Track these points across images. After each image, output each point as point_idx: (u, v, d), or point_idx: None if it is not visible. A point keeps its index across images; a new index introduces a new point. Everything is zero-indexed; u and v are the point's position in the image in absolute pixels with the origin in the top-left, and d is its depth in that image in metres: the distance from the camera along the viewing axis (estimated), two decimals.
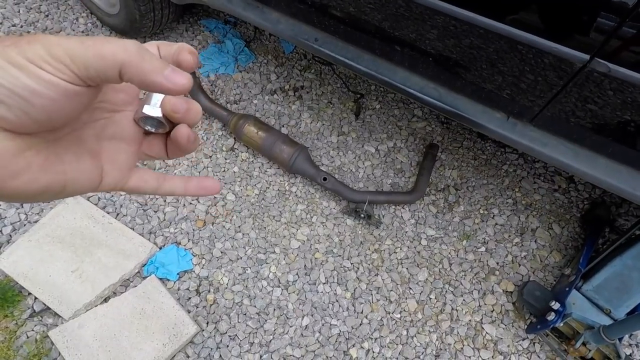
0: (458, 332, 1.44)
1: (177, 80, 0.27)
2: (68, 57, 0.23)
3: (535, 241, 1.64)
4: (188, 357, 1.31)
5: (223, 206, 1.62)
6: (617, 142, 1.03)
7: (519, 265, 1.59)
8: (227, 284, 1.46)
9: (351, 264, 1.54)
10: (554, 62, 0.90)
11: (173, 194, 0.36)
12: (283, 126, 1.87)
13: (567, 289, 1.35)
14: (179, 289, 1.42)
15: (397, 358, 1.38)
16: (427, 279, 1.53)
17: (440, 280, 1.53)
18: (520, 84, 1.03)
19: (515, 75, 1.02)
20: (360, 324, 1.43)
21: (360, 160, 1.80)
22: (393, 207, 1.68)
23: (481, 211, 1.71)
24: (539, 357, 1.41)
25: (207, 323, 1.37)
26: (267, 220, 1.61)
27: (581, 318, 1.25)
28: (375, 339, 1.40)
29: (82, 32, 2.06)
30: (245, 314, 1.41)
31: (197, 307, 1.40)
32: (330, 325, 1.42)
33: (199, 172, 1.70)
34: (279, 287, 1.47)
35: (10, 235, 1.46)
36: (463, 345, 1.42)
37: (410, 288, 1.51)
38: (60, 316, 1.32)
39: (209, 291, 1.43)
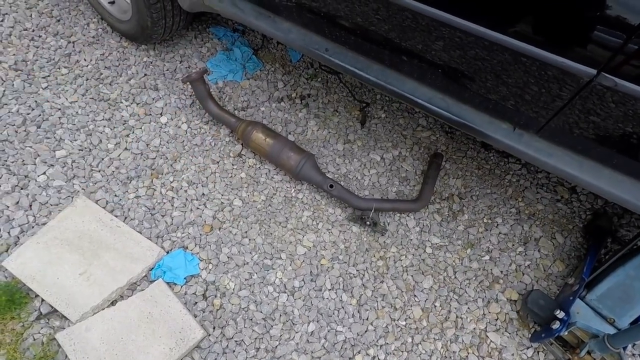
0: (463, 340, 1.45)
1: None
2: None
3: (539, 250, 1.66)
4: None
5: (230, 211, 1.64)
6: (621, 154, 1.05)
7: (523, 274, 1.60)
8: (233, 289, 1.46)
9: (357, 270, 1.55)
10: (561, 76, 0.92)
11: None
12: (290, 133, 1.89)
13: (571, 298, 1.36)
14: (185, 294, 1.43)
15: None
16: (432, 286, 1.55)
17: (445, 288, 1.55)
18: (527, 95, 1.06)
19: (523, 87, 1.05)
20: (366, 331, 1.43)
21: (366, 168, 1.82)
22: (398, 215, 1.70)
23: (485, 220, 1.73)
24: None
25: (214, 328, 1.38)
26: (273, 226, 1.62)
27: (586, 327, 1.26)
28: (381, 346, 1.41)
29: (93, 37, 2.09)
30: (251, 320, 1.41)
31: (204, 312, 1.40)
32: (336, 331, 1.42)
33: (206, 178, 1.71)
34: (285, 292, 1.48)
35: (18, 237, 1.47)
36: (468, 353, 1.42)
37: (415, 295, 1.52)
38: (67, 319, 1.32)
39: (215, 296, 1.44)
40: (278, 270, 1.52)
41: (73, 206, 1.52)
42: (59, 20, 2.11)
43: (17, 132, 1.70)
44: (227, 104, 1.96)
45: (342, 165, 1.82)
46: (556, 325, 1.28)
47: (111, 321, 1.31)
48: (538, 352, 1.44)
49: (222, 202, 1.66)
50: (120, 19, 1.98)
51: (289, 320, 1.43)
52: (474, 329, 1.47)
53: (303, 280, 1.51)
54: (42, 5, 2.13)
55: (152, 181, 1.68)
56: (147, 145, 1.77)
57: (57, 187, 1.60)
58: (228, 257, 1.53)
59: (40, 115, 1.77)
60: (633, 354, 1.46)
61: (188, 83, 1.77)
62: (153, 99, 1.92)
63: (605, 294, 1.34)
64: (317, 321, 1.44)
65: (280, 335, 1.40)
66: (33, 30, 2.03)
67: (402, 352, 1.41)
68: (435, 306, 1.51)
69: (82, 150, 1.72)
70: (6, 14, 2.04)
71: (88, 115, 1.82)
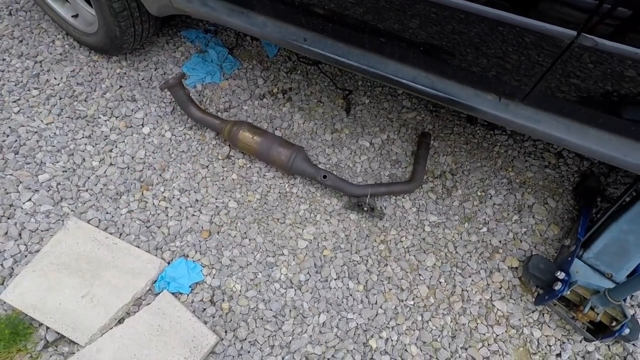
0: (471, 312, 1.48)
1: None
2: None
3: (533, 217, 1.70)
4: None
5: (226, 214, 1.62)
6: (605, 113, 1.08)
7: (521, 241, 1.64)
8: (240, 291, 1.46)
9: (360, 257, 1.56)
10: (542, 41, 0.93)
11: None
12: (276, 129, 1.88)
13: (570, 258, 1.40)
14: (193, 302, 1.42)
15: (415, 343, 1.41)
16: (435, 264, 1.57)
17: (448, 263, 1.57)
18: (510, 64, 1.07)
19: (504, 57, 1.06)
20: (376, 315, 1.45)
21: (357, 155, 1.82)
22: (394, 197, 1.71)
23: (479, 193, 1.76)
24: (549, 326, 1.46)
25: (226, 332, 1.38)
26: (271, 223, 1.62)
27: (586, 284, 1.30)
28: (392, 327, 1.43)
29: (60, 54, 2.02)
30: (262, 318, 1.41)
31: (214, 317, 1.40)
32: (347, 319, 1.44)
33: (198, 183, 1.69)
34: (292, 287, 1.48)
35: (12, 268, 1.43)
36: (477, 323, 1.46)
37: (419, 274, 1.54)
38: (76, 343, 1.30)
39: (223, 300, 1.43)
40: (282, 267, 1.52)
41: (65, 229, 1.48)
42: (21, 41, 2.03)
43: None
44: (209, 107, 1.93)
45: (333, 155, 1.82)
46: (558, 286, 1.32)
47: (121, 339, 1.29)
48: (543, 314, 1.49)
49: (217, 206, 1.64)
50: (86, 31, 1.92)
51: (299, 314, 1.44)
52: (480, 299, 1.51)
53: (308, 273, 1.52)
54: (0, 27, 2.04)
55: (142, 193, 1.65)
56: (133, 158, 1.74)
57: (45, 212, 1.55)
58: (230, 260, 1.52)
59: (16, 141, 1.71)
60: (632, 305, 1.51)
61: (166, 90, 1.73)
62: (132, 111, 1.87)
63: (602, 251, 1.39)
64: (327, 311, 1.45)
65: (293, 330, 1.41)
66: None
67: (413, 330, 1.43)
68: (440, 282, 1.53)
69: (65, 171, 1.67)
70: None
71: (67, 134, 1.77)
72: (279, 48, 2.16)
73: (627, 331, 1.28)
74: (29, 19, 2.09)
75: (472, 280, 1.54)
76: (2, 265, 1.43)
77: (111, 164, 1.71)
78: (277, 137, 1.67)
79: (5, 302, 1.35)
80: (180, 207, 1.62)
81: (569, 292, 1.32)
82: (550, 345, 1.43)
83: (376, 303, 1.47)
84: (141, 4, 1.66)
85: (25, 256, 1.46)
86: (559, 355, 1.42)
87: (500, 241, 1.64)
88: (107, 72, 1.99)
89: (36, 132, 1.75)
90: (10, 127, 1.74)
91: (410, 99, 2.03)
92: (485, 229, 1.66)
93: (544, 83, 1.05)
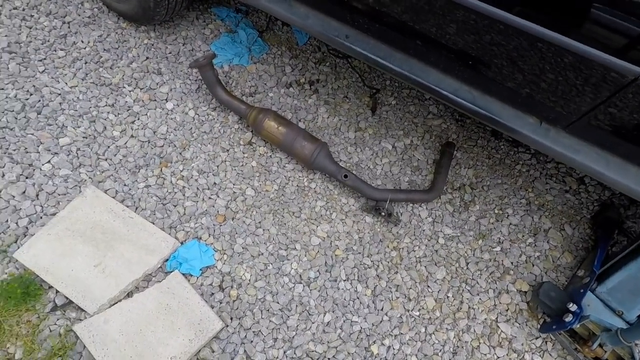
0: (474, 330, 1.48)
1: None
2: None
3: (548, 242, 1.68)
4: (213, 352, 1.32)
5: (243, 201, 1.61)
6: None
7: (533, 265, 1.63)
8: (249, 280, 1.46)
9: (371, 261, 1.56)
10: (605, 73, 0.90)
11: None
12: (300, 120, 1.85)
13: (582, 290, 1.39)
14: (202, 285, 1.42)
15: (416, 355, 1.41)
16: (444, 277, 1.56)
17: (458, 279, 1.57)
18: (561, 91, 1.04)
19: (556, 82, 1.03)
20: (381, 321, 1.45)
21: (378, 157, 1.80)
22: (410, 205, 1.69)
23: (496, 211, 1.74)
24: (551, 355, 1.46)
25: (231, 319, 1.38)
26: (287, 216, 1.61)
27: (599, 320, 1.29)
28: (396, 335, 1.43)
29: (89, 17, 1.98)
30: (268, 310, 1.42)
31: (221, 303, 1.40)
32: (352, 321, 1.44)
33: (217, 166, 1.68)
34: (301, 283, 1.48)
35: (27, 228, 1.44)
36: (479, 343, 1.46)
37: (428, 286, 1.54)
38: (84, 310, 1.31)
39: (232, 287, 1.44)
40: (293, 261, 1.52)
41: (83, 196, 1.48)
42: None
43: (16, 118, 1.63)
44: (234, 89, 1.90)
45: (354, 153, 1.80)
46: (569, 318, 1.31)
47: (129, 313, 1.30)
48: (546, 341, 1.49)
49: (235, 192, 1.63)
50: None
51: (305, 310, 1.44)
52: (485, 319, 1.51)
53: (318, 271, 1.51)
54: None
55: (161, 170, 1.64)
56: (154, 132, 1.72)
57: (63, 176, 1.55)
58: (243, 248, 1.52)
59: (39, 100, 1.69)
60: (636, 344, 1.51)
61: (196, 69, 1.70)
62: (157, 84, 1.85)
63: (616, 287, 1.37)
64: (333, 311, 1.45)
65: (297, 326, 1.41)
66: (23, 9, 1.91)
67: (416, 342, 1.44)
68: (448, 297, 1.53)
69: (86, 137, 1.66)
70: None
71: (90, 100, 1.75)
72: (309, 37, 2.11)
73: None
74: None
75: (480, 298, 1.54)
76: (17, 223, 1.43)
77: (132, 136, 1.70)
78: (302, 130, 1.65)
79: (17, 261, 1.36)
80: (198, 189, 1.61)
81: (578, 326, 1.32)
82: None
83: (382, 309, 1.48)
84: None
85: (41, 217, 1.46)
86: None
87: (512, 262, 1.63)
88: (134, 41, 1.95)
89: (60, 94, 1.73)
90: (34, 86, 1.72)
91: (437, 105, 1.99)
92: (498, 248, 1.65)
93: (592, 114, 1.02)
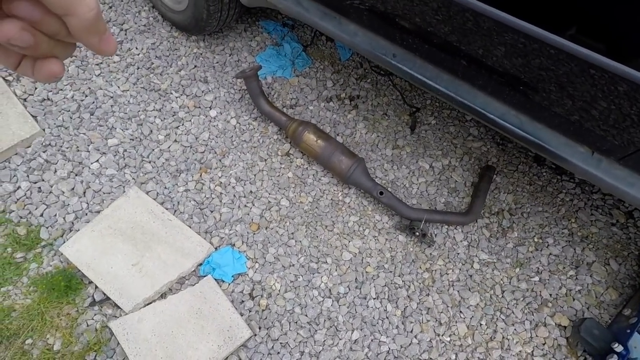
0: None
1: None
2: None
3: (591, 276, 1.60)
4: None
5: (277, 211, 1.63)
6: None
7: (573, 299, 1.55)
8: (279, 290, 1.47)
9: (402, 281, 1.53)
10: None
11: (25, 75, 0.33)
12: (338, 135, 1.86)
13: (629, 330, 1.31)
14: (233, 292, 1.44)
15: None
16: (478, 304, 1.51)
17: (492, 306, 1.51)
18: (616, 121, 1.00)
19: (611, 112, 0.99)
20: (410, 344, 1.42)
21: (414, 176, 1.78)
22: (446, 227, 1.66)
23: (535, 239, 1.67)
24: None
25: (260, 328, 1.39)
26: (319, 229, 1.61)
27: None
28: None
29: (144, 25, 2.09)
30: (296, 322, 1.41)
31: (250, 312, 1.41)
32: (380, 341, 1.41)
33: (254, 175, 1.71)
34: (330, 298, 1.47)
35: (73, 223, 1.51)
36: None
37: (461, 311, 1.49)
38: (120, 308, 1.35)
39: (262, 296, 1.45)
40: (324, 275, 1.51)
41: (126, 196, 1.54)
42: (111, 7, 2.11)
43: (71, 118, 1.73)
44: (275, 101, 1.94)
45: (390, 171, 1.79)
46: (614, 358, 1.24)
47: (162, 314, 1.33)
48: None
49: (270, 201, 1.65)
50: (174, 9, 1.97)
51: (333, 326, 1.43)
52: (520, 351, 1.44)
53: (348, 287, 1.50)
54: None
55: (200, 175, 1.68)
56: (197, 138, 1.78)
57: (109, 176, 1.62)
58: (275, 258, 1.53)
59: (93, 102, 1.79)
60: None
61: (242, 79, 1.76)
62: (202, 92, 1.92)
63: None
64: (361, 329, 1.43)
65: (324, 341, 1.40)
66: None
67: None
68: (481, 324, 1.48)
69: (133, 139, 1.74)
70: None
71: (139, 104, 1.83)
72: (352, 52, 2.14)
73: None
74: None
75: (515, 329, 1.48)
76: (64, 218, 1.51)
77: (175, 141, 1.76)
78: (340, 144, 1.66)
79: (62, 254, 1.42)
80: (234, 196, 1.65)
81: None
82: None
83: (412, 331, 1.44)
84: None
85: (86, 214, 1.53)
86: None
87: (551, 294, 1.55)
88: (184, 50, 2.04)
89: (112, 97, 1.82)
90: (90, 88, 1.82)
91: (478, 127, 1.96)
92: (537, 279, 1.58)
93: None
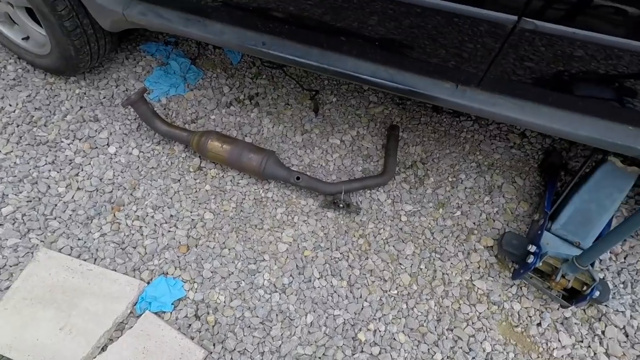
0: (453, 294, 1.52)
1: None
2: None
3: (503, 196, 1.76)
4: None
5: (203, 226, 1.61)
6: (554, 91, 1.14)
7: (494, 220, 1.70)
8: (224, 302, 1.45)
9: (340, 253, 1.58)
10: (488, 28, 0.97)
11: None
12: (246, 136, 1.87)
13: (539, 232, 1.46)
14: (177, 319, 1.40)
15: (403, 331, 1.43)
16: (414, 251, 1.60)
17: (427, 250, 1.61)
18: (462, 53, 1.11)
19: (456, 46, 1.10)
20: (362, 308, 1.47)
21: (329, 154, 1.84)
22: (369, 192, 1.74)
23: (450, 179, 1.80)
24: (528, 298, 1.52)
25: (214, 344, 1.36)
26: (250, 230, 1.61)
27: (555, 254, 1.36)
28: (379, 318, 1.45)
29: (13, 79, 1.95)
30: (249, 327, 1.41)
31: (200, 332, 1.38)
32: (334, 316, 1.45)
33: (171, 198, 1.67)
34: (277, 292, 1.48)
35: None
36: (460, 304, 1.50)
37: (400, 264, 1.57)
38: None
39: (208, 313, 1.42)
40: (264, 272, 1.52)
41: (35, 261, 1.43)
42: None
43: None
44: (175, 120, 1.90)
45: (305, 155, 1.83)
46: (530, 259, 1.38)
47: None
48: (521, 287, 1.54)
49: (193, 219, 1.62)
50: (39, 53, 1.86)
51: (286, 317, 1.44)
52: (461, 281, 1.55)
53: (291, 275, 1.52)
54: None
55: (114, 215, 1.61)
56: (101, 179, 1.69)
57: (12, 246, 1.50)
58: (212, 272, 1.50)
59: None
60: (601, 269, 1.59)
61: (129, 106, 1.70)
62: (95, 131, 1.83)
63: (568, 221, 1.45)
64: (314, 311, 1.46)
65: (282, 334, 1.41)
66: None
67: (400, 319, 1.46)
68: (421, 269, 1.57)
69: (30, 201, 1.61)
70: None
71: (28, 162, 1.71)
72: (243, 54, 2.15)
73: (597, 294, 1.35)
74: None
75: (451, 263, 1.59)
76: None
77: (79, 188, 1.67)
78: (246, 143, 1.67)
79: None
80: (155, 225, 1.59)
81: (541, 264, 1.38)
82: (530, 317, 1.49)
83: (361, 297, 1.49)
84: (95, 20, 1.62)
85: None
86: (539, 324, 1.47)
87: (474, 223, 1.69)
88: (65, 94, 1.93)
89: None
90: None
91: (377, 93, 2.06)
92: (459, 213, 1.71)
93: (495, 67, 1.10)
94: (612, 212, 1.46)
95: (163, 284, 1.43)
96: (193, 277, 1.49)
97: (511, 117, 1.18)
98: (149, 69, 2.08)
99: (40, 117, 1.84)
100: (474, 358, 1.40)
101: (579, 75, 1.05)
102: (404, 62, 1.24)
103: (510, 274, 1.56)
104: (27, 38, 1.87)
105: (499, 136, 1.95)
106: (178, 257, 1.52)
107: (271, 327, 1.41)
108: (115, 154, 1.77)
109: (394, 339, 1.42)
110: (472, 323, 1.47)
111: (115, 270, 1.46)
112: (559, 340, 1.45)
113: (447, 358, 1.40)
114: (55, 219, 1.58)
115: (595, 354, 1.42)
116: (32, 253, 1.49)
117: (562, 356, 1.42)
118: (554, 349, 1.43)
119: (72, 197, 1.64)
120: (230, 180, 1.73)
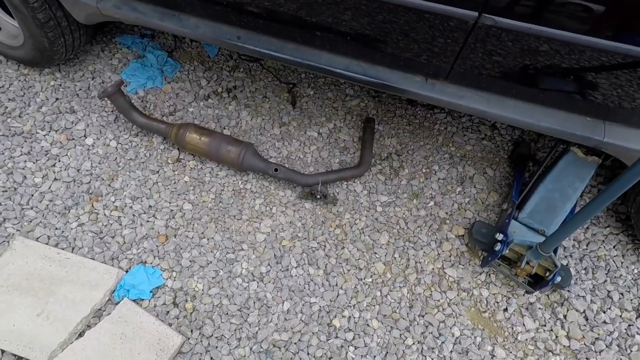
0: (425, 281, 1.58)
1: None
2: None
3: (474, 186, 1.83)
4: None
5: (182, 217, 1.63)
6: (517, 84, 1.20)
7: (465, 210, 1.76)
8: (202, 290, 1.48)
9: (317, 243, 1.62)
10: (452, 23, 1.02)
11: None
12: (224, 128, 1.89)
13: (507, 220, 1.53)
14: (155, 306, 1.42)
15: (376, 317, 1.49)
16: (388, 241, 1.66)
17: (401, 239, 1.67)
18: (430, 47, 1.15)
19: (425, 41, 1.14)
20: (337, 296, 1.52)
21: (306, 146, 1.88)
22: (345, 183, 1.78)
23: (424, 170, 1.86)
24: (495, 285, 1.59)
25: (192, 330, 1.39)
26: (228, 221, 1.64)
27: (521, 242, 1.43)
28: (354, 305, 1.50)
29: None
30: (227, 314, 1.44)
31: (178, 318, 1.41)
32: (310, 303, 1.49)
33: (149, 189, 1.68)
34: (254, 280, 1.52)
35: None
36: (431, 291, 1.56)
37: (375, 253, 1.63)
38: None
39: (186, 300, 1.45)
40: (243, 261, 1.55)
41: (11, 249, 1.43)
42: None
43: None
44: (153, 112, 1.91)
45: (283, 148, 1.86)
46: (498, 246, 1.44)
47: (83, 351, 1.28)
48: (489, 274, 1.62)
49: (172, 210, 1.64)
50: (11, 45, 1.83)
51: (263, 305, 1.48)
52: (433, 269, 1.61)
53: (269, 264, 1.56)
54: None
55: (92, 205, 1.61)
56: (78, 170, 1.69)
57: None
58: (190, 261, 1.53)
59: None
60: (565, 256, 1.68)
61: (106, 99, 1.70)
62: (72, 123, 1.82)
63: (533, 210, 1.53)
64: (291, 299, 1.50)
65: (259, 321, 1.45)
66: None
67: (373, 306, 1.51)
68: (394, 258, 1.62)
69: (6, 191, 1.60)
70: None
71: (3, 153, 1.69)
72: (220, 47, 2.16)
73: (559, 279, 1.43)
74: None
75: (424, 252, 1.65)
76: None
77: (56, 179, 1.66)
78: (224, 135, 1.69)
79: None
80: (134, 215, 1.61)
81: (507, 251, 1.45)
82: (497, 302, 1.56)
83: (337, 285, 1.54)
84: (69, 13, 1.61)
85: None
86: (505, 310, 1.55)
87: (446, 212, 1.75)
88: (40, 86, 1.91)
89: None
90: None
91: (353, 87, 2.10)
92: (432, 203, 1.77)
93: (461, 61, 1.15)
94: (574, 200, 1.54)
95: (141, 272, 1.45)
96: (172, 266, 1.51)
97: (478, 109, 1.24)
98: (125, 61, 2.07)
99: (14, 108, 1.82)
100: (443, 342, 1.46)
101: (540, 69, 1.10)
102: (376, 56, 1.28)
103: (480, 262, 1.63)
104: None
105: (470, 128, 2.02)
106: (157, 246, 1.54)
107: (248, 314, 1.45)
108: (92, 146, 1.77)
109: (368, 325, 1.48)
110: (443, 309, 1.54)
111: (94, 259, 1.47)
112: (524, 325, 1.52)
113: (418, 343, 1.46)
114: (32, 208, 1.58)
115: (557, 337, 1.50)
116: (8, 242, 1.49)
117: (526, 340, 1.50)
118: (518, 332, 1.51)
119: (49, 188, 1.64)
120: (209, 172, 1.75)
